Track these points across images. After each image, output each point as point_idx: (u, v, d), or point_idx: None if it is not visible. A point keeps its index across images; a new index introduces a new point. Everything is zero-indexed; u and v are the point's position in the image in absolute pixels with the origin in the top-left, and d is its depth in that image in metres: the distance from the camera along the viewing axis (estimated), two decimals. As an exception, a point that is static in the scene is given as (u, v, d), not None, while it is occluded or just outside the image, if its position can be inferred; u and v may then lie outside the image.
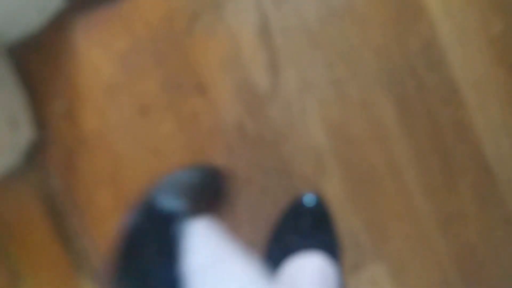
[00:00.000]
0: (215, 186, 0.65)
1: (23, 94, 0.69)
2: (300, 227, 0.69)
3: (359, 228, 0.70)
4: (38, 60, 0.69)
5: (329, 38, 0.69)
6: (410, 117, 0.69)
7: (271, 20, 0.69)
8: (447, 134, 0.69)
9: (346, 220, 0.70)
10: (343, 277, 0.68)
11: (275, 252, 0.67)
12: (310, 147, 0.70)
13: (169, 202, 0.55)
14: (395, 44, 0.68)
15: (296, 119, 0.69)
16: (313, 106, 0.69)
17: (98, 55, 0.69)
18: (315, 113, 0.69)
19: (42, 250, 0.71)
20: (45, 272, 0.71)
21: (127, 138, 0.70)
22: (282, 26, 0.69)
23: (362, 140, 0.69)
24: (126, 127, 0.70)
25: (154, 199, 0.56)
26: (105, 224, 0.70)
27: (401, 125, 0.69)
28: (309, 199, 0.70)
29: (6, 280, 0.71)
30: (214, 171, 0.66)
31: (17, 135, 0.70)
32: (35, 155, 0.70)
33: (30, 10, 0.67)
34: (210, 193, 0.64)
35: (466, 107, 0.69)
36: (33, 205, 0.70)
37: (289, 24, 0.69)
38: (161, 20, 0.69)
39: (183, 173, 0.65)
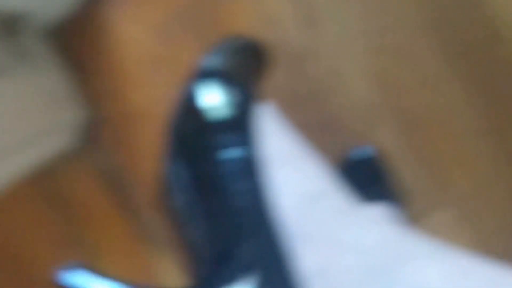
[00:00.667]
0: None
1: (68, 75, 0.71)
2: (359, 180, 0.68)
3: (419, 175, 0.69)
4: (78, 40, 0.70)
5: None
6: (456, 59, 0.66)
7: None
8: (493, 71, 0.66)
9: (406, 168, 0.69)
10: (409, 225, 0.68)
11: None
12: (359, 100, 0.68)
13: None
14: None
15: (337, 72, 0.68)
16: (353, 58, 0.67)
17: (136, 29, 0.69)
18: (357, 65, 0.68)
19: (109, 225, 0.74)
20: (117, 245, 0.74)
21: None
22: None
23: (411, 86, 0.67)
24: (172, 97, 0.70)
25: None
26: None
27: (448, 68, 0.66)
28: (365, 151, 0.69)
29: (83, 257, 0.74)
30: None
31: (66, 115, 0.72)
32: (88, 133, 0.72)
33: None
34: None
35: (508, 42, 0.65)
36: (94, 182, 0.73)
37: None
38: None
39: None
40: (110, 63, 0.70)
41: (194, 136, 0.44)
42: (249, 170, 0.38)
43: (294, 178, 0.38)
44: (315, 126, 0.69)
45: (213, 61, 0.49)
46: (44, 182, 0.73)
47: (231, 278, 0.33)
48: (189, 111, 0.46)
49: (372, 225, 0.37)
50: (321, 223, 0.36)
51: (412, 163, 0.69)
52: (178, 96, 0.48)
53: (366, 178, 0.68)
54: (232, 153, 0.40)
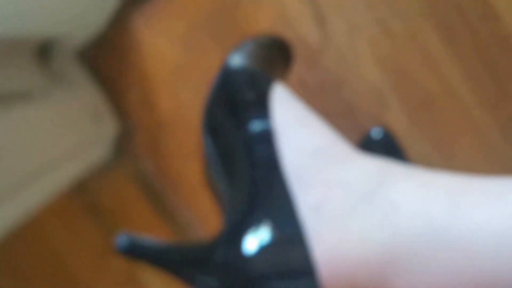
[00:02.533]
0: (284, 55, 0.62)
1: (101, 90, 0.76)
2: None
3: (428, 150, 0.76)
4: (108, 56, 0.75)
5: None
6: (454, 40, 0.74)
7: (310, -23, 0.74)
8: (490, 47, 0.74)
9: (414, 145, 0.76)
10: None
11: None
12: (368, 85, 0.75)
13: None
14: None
15: (350, 63, 0.75)
16: (364, 47, 0.75)
17: (161, 42, 0.75)
18: (366, 53, 0.75)
19: (147, 228, 0.78)
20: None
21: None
22: (321, -20, 0.74)
23: (415, 69, 0.75)
24: (199, 103, 0.76)
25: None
26: (199, 194, 0.77)
27: (448, 49, 0.74)
28: (376, 133, 0.76)
29: (122, 263, 0.78)
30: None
31: (102, 128, 0.76)
32: (123, 144, 0.77)
33: (91, 13, 0.74)
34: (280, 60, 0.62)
35: (502, 18, 0.74)
36: (131, 190, 0.77)
37: (327, -23, 0.74)
38: (209, 0, 0.75)
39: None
40: (139, 76, 0.76)
41: (223, 114, 0.53)
42: (266, 138, 0.47)
43: (298, 139, 0.46)
44: (333, 113, 0.76)
45: (240, 54, 0.58)
46: (83, 195, 0.77)
47: (252, 225, 0.41)
48: (219, 94, 0.55)
49: (360, 163, 0.44)
50: (317, 170, 0.43)
51: (418, 139, 0.76)
52: (211, 83, 0.57)
53: (380, 157, 0.74)
54: (254, 125, 0.49)
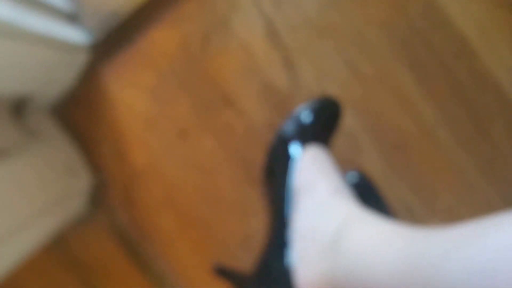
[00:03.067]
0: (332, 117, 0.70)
1: (74, 144, 0.76)
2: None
3: (406, 193, 0.74)
4: (79, 111, 0.76)
5: (334, 25, 0.73)
6: (428, 79, 0.72)
7: (275, 22, 0.73)
8: (467, 85, 0.72)
9: (392, 188, 0.74)
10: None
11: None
12: (342, 129, 0.73)
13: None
14: (396, 15, 0.72)
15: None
16: (334, 91, 0.73)
17: (130, 94, 0.75)
18: (337, 97, 0.73)
19: (125, 280, 0.77)
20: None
21: (174, 162, 0.76)
22: (287, 24, 0.73)
23: (388, 111, 0.73)
24: (171, 153, 0.75)
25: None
26: (175, 243, 0.76)
27: (421, 88, 0.72)
28: (351, 177, 0.74)
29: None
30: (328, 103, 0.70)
31: (77, 182, 0.77)
32: (98, 197, 0.77)
33: (60, 72, 0.74)
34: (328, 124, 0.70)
35: (478, 55, 0.71)
36: (107, 242, 0.77)
37: (293, 21, 0.73)
38: (177, 49, 0.75)
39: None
40: (111, 129, 0.76)
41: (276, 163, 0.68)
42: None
43: (302, 203, 0.62)
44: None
45: (292, 122, 0.69)
46: (61, 250, 0.77)
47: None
48: (276, 150, 0.69)
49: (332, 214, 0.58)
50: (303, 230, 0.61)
51: (395, 182, 0.74)
52: (271, 141, 0.68)
53: (358, 200, 0.72)
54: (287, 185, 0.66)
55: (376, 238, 0.48)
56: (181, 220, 0.76)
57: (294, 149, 0.66)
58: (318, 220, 0.59)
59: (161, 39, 0.75)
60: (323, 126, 0.68)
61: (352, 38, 0.72)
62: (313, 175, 0.63)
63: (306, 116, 0.67)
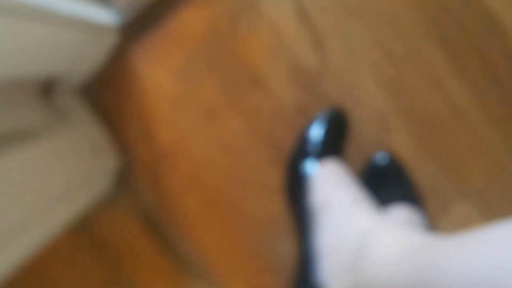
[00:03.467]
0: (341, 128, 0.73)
1: (101, 125, 0.76)
2: (379, 186, 0.72)
3: (435, 174, 0.73)
4: (108, 92, 0.76)
5: (364, 4, 0.73)
6: (459, 58, 0.71)
7: (305, 2, 0.73)
8: (498, 64, 0.71)
9: (422, 169, 0.73)
10: (432, 223, 0.70)
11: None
12: (371, 110, 0.73)
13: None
14: (427, -7, 0.72)
15: (351, 87, 0.73)
16: (365, 71, 0.73)
17: (158, 74, 0.75)
18: (368, 77, 0.73)
19: (150, 262, 0.76)
20: (158, 281, 0.76)
21: (201, 142, 0.75)
22: (317, 4, 0.73)
23: (419, 91, 0.72)
24: (198, 133, 0.75)
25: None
26: (201, 225, 0.75)
27: (452, 68, 0.72)
28: (381, 158, 0.73)
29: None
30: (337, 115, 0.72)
31: (102, 162, 0.76)
32: (124, 178, 0.76)
33: (88, 53, 0.74)
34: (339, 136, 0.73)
35: (510, 35, 0.71)
36: (132, 223, 0.76)
37: (323, 1, 0.73)
38: (206, 29, 0.75)
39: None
40: (139, 110, 0.76)
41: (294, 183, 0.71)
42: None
43: (322, 224, 0.65)
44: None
45: (305, 142, 0.71)
46: (87, 231, 0.77)
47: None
48: (292, 170, 0.72)
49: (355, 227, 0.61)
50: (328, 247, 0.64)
51: (426, 163, 0.73)
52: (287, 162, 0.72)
53: (387, 182, 0.72)
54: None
55: (392, 252, 0.52)
56: (206, 200, 0.75)
57: (309, 167, 0.68)
58: (340, 236, 0.62)
59: (190, 19, 0.75)
60: (333, 139, 0.70)
61: (383, 18, 0.72)
62: (330, 189, 0.66)
63: (316, 132, 0.70)
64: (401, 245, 0.51)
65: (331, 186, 0.66)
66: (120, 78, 0.76)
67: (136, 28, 0.75)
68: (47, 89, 0.76)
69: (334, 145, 0.70)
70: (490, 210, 0.72)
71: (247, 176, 0.75)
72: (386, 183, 0.72)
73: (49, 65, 0.73)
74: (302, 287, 0.66)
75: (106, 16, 0.74)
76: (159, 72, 0.75)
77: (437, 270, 0.42)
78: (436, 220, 0.72)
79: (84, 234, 0.77)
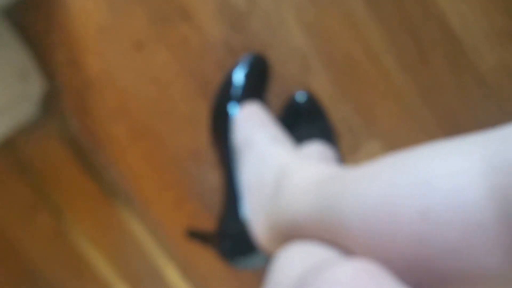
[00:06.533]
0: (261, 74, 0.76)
1: (27, 49, 0.76)
2: (298, 123, 0.77)
3: (349, 114, 0.78)
4: (35, 15, 0.75)
5: None
6: (377, 5, 0.75)
7: None
8: (413, 13, 0.76)
9: (337, 109, 0.78)
10: (342, 158, 0.76)
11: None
12: (294, 50, 0.76)
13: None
14: None
15: (276, 27, 0.76)
16: (290, 12, 0.76)
17: (86, 1, 0.75)
18: (292, 19, 0.76)
19: (76, 187, 0.79)
20: (82, 205, 0.79)
21: (129, 73, 0.77)
22: None
23: (338, 34, 0.76)
24: (126, 63, 0.77)
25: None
26: (126, 152, 0.78)
27: (371, 14, 0.76)
28: (300, 96, 0.77)
29: (49, 219, 0.79)
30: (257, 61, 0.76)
31: (28, 87, 0.77)
32: (50, 103, 0.77)
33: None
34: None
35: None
36: (58, 148, 0.78)
37: None
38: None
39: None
40: (67, 36, 0.76)
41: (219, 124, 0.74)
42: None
43: (244, 160, 0.68)
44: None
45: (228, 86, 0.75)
46: (10, 152, 0.78)
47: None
48: (217, 112, 0.75)
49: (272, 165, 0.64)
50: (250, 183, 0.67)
51: (340, 103, 0.78)
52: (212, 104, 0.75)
53: (304, 119, 0.76)
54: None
55: (303, 184, 0.54)
56: (133, 130, 0.78)
57: (232, 109, 0.72)
58: (260, 172, 0.65)
59: None
60: (254, 83, 0.74)
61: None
62: (250, 129, 0.69)
63: (237, 77, 0.74)
64: (312, 176, 0.54)
65: (251, 126, 0.70)
66: (48, 2, 0.76)
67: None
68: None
69: (255, 88, 0.74)
70: (395, 150, 0.78)
71: (173, 107, 0.78)
72: (303, 121, 0.77)
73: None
74: (228, 223, 0.70)
75: None
76: None
77: (339, 197, 0.45)
78: (347, 156, 0.78)
79: (9, 157, 0.79)
